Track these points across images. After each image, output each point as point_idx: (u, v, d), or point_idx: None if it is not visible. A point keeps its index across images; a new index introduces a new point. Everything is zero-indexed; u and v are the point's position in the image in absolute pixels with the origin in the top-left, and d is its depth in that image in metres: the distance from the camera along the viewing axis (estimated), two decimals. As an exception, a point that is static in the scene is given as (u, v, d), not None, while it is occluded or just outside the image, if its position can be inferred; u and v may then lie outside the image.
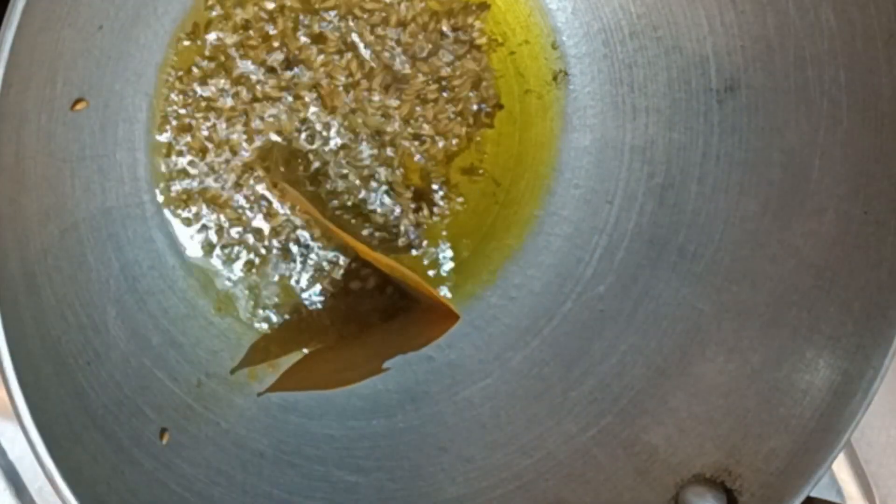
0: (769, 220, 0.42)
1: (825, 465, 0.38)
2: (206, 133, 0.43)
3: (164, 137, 0.43)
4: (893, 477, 0.50)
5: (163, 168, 0.43)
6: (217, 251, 0.44)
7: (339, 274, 0.46)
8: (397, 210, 0.46)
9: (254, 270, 0.45)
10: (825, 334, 0.39)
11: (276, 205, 0.44)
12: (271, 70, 0.43)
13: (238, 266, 0.44)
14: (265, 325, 0.45)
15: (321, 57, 0.44)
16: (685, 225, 0.44)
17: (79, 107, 0.38)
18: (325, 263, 0.45)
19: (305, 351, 0.45)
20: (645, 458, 0.42)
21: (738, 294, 0.42)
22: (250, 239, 0.44)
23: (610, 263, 0.46)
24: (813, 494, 0.39)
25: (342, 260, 0.45)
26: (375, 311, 0.46)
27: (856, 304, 0.39)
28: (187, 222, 0.44)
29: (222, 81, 0.43)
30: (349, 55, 0.44)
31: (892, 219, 0.38)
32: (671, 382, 0.43)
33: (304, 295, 0.45)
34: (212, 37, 0.43)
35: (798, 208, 0.41)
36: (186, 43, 0.42)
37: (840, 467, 0.50)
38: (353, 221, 0.45)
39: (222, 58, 0.43)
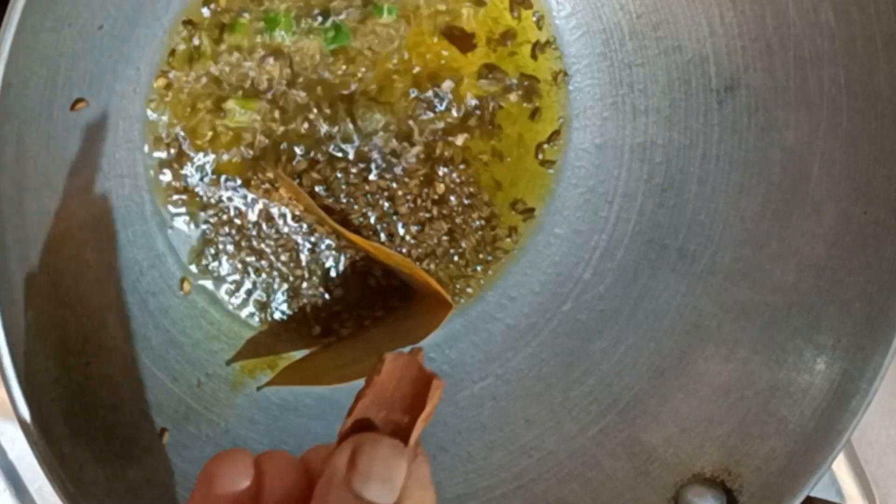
0: (769, 220, 0.42)
1: (825, 465, 0.38)
2: (205, 131, 0.43)
3: (163, 136, 0.43)
4: (893, 477, 0.50)
5: (162, 167, 0.43)
6: (215, 250, 0.44)
7: (338, 270, 0.46)
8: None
9: (253, 268, 0.45)
10: (825, 334, 0.39)
11: (273, 200, 0.44)
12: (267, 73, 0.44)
13: (237, 265, 0.44)
14: (264, 324, 0.45)
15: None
16: (685, 225, 0.44)
17: (79, 107, 0.38)
18: (323, 259, 0.45)
19: (305, 352, 0.45)
20: (645, 458, 0.42)
21: (738, 294, 0.42)
22: (250, 237, 0.44)
23: (610, 263, 0.46)
24: (813, 494, 0.39)
25: (341, 255, 0.46)
26: (372, 308, 0.46)
27: (856, 304, 0.39)
28: (187, 221, 0.44)
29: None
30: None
31: (892, 219, 0.38)
32: (671, 382, 0.43)
33: (303, 293, 0.45)
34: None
35: (798, 208, 0.41)
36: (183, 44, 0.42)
37: (840, 467, 0.50)
38: (350, 216, 0.45)
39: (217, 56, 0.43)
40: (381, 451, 0.26)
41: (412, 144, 0.45)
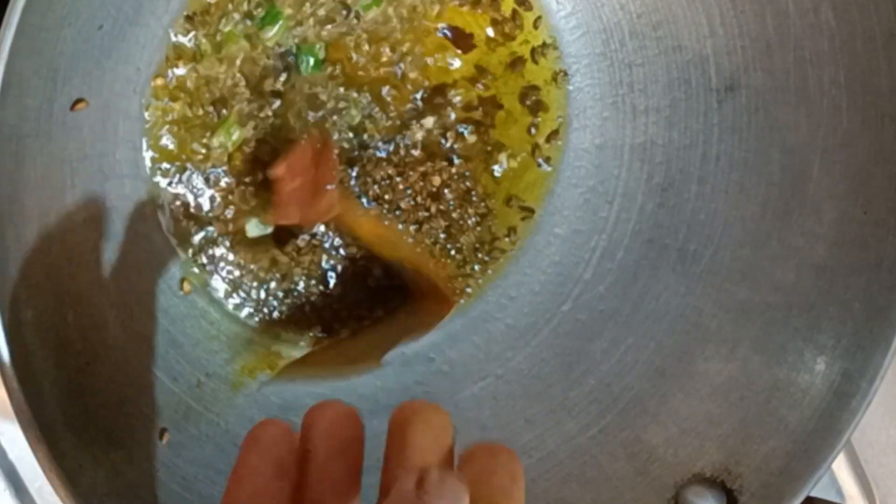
0: (769, 220, 0.42)
1: (825, 465, 0.38)
2: (204, 132, 0.43)
3: (162, 136, 0.43)
4: (893, 477, 0.50)
5: (162, 168, 0.43)
6: (215, 249, 0.44)
7: (338, 270, 0.46)
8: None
9: (251, 267, 0.45)
10: (825, 334, 0.39)
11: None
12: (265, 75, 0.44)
13: (237, 264, 0.44)
14: (264, 324, 0.45)
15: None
16: (685, 225, 0.44)
17: (79, 107, 0.38)
18: (323, 259, 0.45)
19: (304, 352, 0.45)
20: (645, 458, 0.42)
21: (738, 294, 0.42)
22: (250, 236, 0.44)
23: (610, 263, 0.46)
24: (813, 494, 0.39)
25: (341, 255, 0.46)
26: (372, 308, 0.46)
27: (856, 304, 0.39)
28: (187, 222, 0.44)
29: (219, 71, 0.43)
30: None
31: (891, 219, 0.38)
32: (671, 382, 0.43)
33: (303, 292, 0.45)
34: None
35: (798, 208, 0.41)
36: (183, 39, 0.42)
37: (840, 467, 0.50)
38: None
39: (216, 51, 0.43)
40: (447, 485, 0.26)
41: (413, 137, 0.45)
